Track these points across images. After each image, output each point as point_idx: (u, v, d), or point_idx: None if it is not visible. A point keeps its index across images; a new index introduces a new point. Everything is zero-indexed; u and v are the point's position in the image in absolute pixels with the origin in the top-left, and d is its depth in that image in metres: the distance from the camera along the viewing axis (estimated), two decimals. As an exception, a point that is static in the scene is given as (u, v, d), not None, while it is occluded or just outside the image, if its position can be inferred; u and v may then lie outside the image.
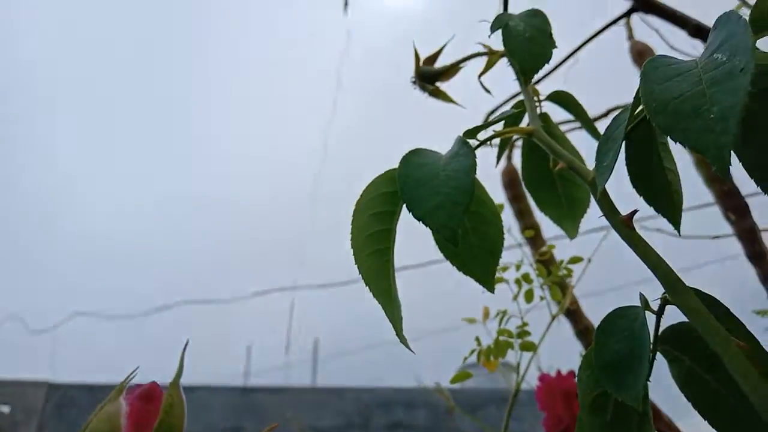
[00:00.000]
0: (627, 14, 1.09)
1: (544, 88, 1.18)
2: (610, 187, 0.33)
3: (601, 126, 1.34)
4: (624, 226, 0.31)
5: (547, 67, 1.18)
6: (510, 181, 1.27)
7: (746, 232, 1.14)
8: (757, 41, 0.28)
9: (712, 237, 1.29)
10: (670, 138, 0.26)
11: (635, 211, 0.31)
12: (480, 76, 0.47)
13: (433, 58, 0.52)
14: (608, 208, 0.32)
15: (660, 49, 1.27)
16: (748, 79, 0.24)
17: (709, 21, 1.16)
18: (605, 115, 1.35)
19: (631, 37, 1.21)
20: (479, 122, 0.41)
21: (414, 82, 0.53)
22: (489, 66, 0.46)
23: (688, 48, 1.22)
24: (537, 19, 0.40)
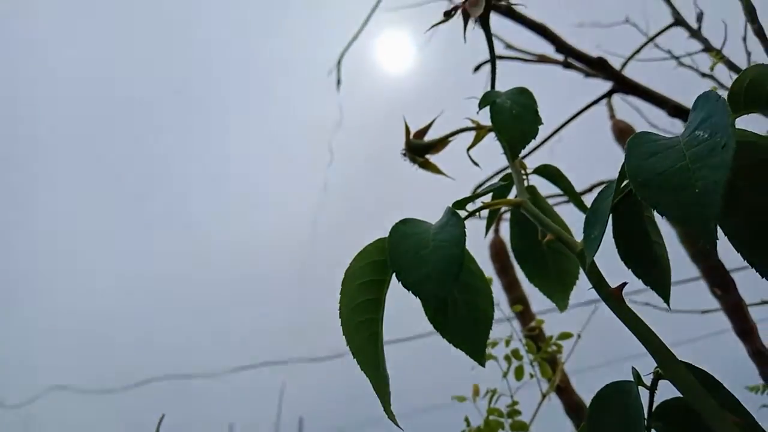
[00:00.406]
0: (608, 94, 1.13)
1: (530, 162, 1.20)
2: (598, 258, 0.33)
3: (587, 202, 1.36)
4: (614, 298, 0.31)
5: (533, 143, 1.21)
6: (497, 253, 1.27)
7: (733, 307, 1.14)
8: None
9: (702, 311, 1.29)
10: (657, 211, 0.27)
11: (624, 284, 0.31)
12: (468, 149, 0.48)
13: (423, 131, 0.53)
14: (597, 281, 0.32)
15: (641, 125, 1.32)
16: (731, 155, 0.25)
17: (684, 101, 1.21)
18: (590, 190, 1.37)
19: (612, 116, 1.25)
20: (468, 190, 0.42)
21: (404, 155, 0.54)
22: (477, 140, 0.47)
23: (667, 125, 1.26)
24: (523, 97, 0.42)
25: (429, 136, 0.54)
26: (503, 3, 1.18)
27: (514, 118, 0.40)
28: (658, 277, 0.34)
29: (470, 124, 0.49)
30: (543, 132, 1.25)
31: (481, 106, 0.43)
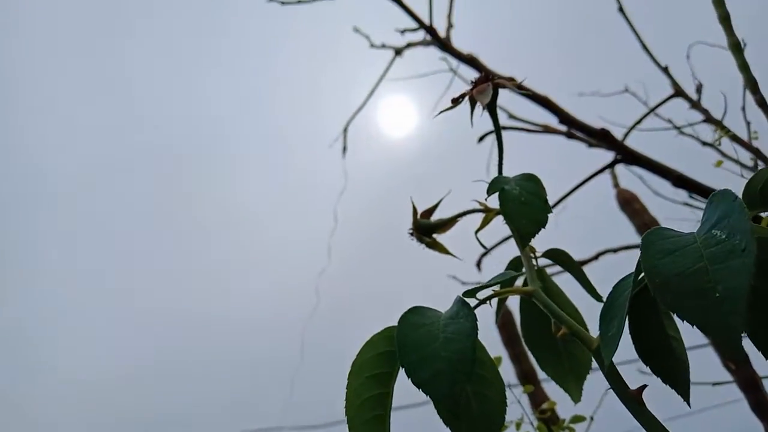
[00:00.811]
0: (611, 165, 1.14)
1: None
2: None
3: (591, 269, 1.35)
4: (635, 402, 0.30)
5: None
6: (505, 323, 1.25)
7: (747, 381, 1.11)
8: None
9: (713, 384, 1.26)
10: (677, 316, 0.26)
11: (644, 386, 0.30)
12: (476, 232, 0.47)
13: (430, 211, 0.53)
14: (617, 382, 0.31)
15: (644, 193, 1.32)
16: (752, 260, 0.24)
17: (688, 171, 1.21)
18: (595, 258, 1.36)
19: (616, 184, 1.26)
20: (472, 257, 0.41)
21: (411, 234, 0.53)
22: (485, 223, 0.47)
23: (670, 194, 1.26)
24: (531, 183, 0.42)
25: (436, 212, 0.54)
26: (510, 84, 1.21)
27: (523, 206, 0.40)
28: (677, 375, 0.33)
29: (477, 206, 0.48)
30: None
31: (490, 192, 0.42)
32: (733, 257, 0.25)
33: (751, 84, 1.01)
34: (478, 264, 1.20)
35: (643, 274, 0.34)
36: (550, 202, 1.23)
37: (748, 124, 1.50)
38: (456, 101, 0.47)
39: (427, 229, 0.52)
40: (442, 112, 0.48)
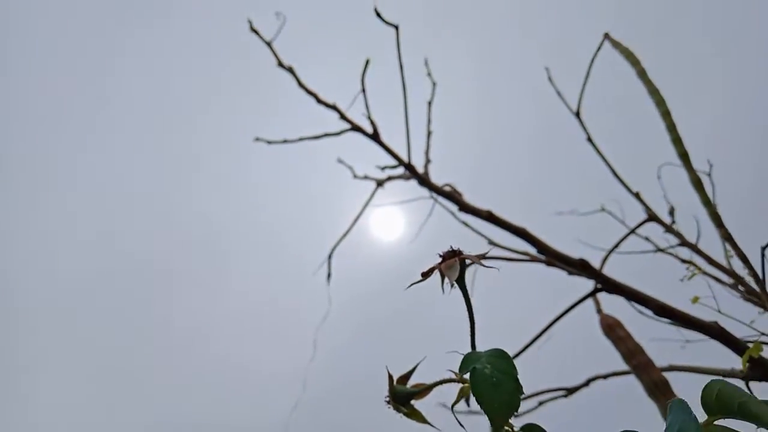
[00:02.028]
0: (593, 293, 1.15)
1: (523, 359, 1.17)
2: None
3: (581, 396, 1.31)
4: None
5: (522, 344, 1.19)
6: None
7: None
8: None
9: None
10: None
11: None
12: (452, 407, 0.47)
13: (407, 376, 0.53)
14: None
15: (629, 316, 1.32)
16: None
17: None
18: (586, 384, 1.34)
19: (599, 310, 1.26)
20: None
21: (388, 402, 0.53)
22: (460, 397, 0.47)
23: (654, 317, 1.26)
24: (503, 362, 0.42)
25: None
26: (485, 212, 1.25)
27: (494, 388, 0.40)
28: None
29: (453, 377, 0.48)
30: (531, 330, 1.24)
31: (462, 370, 0.43)
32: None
33: (715, 218, 1.04)
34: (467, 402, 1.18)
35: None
36: (536, 331, 1.20)
37: (724, 244, 1.54)
38: (426, 275, 0.49)
39: (404, 396, 0.52)
40: (413, 284, 0.49)
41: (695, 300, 0.90)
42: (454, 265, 0.47)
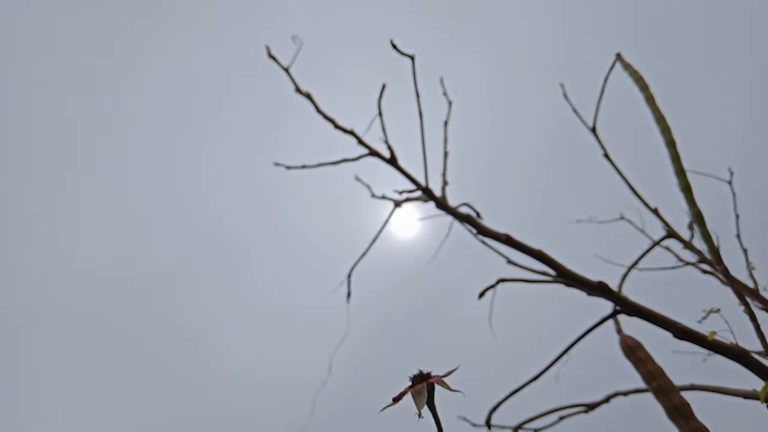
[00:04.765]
0: (612, 315, 1.16)
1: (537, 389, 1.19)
2: None
3: (601, 412, 1.32)
4: None
5: (543, 364, 1.20)
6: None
7: None
8: None
9: None
10: None
11: None
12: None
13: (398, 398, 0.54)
14: None
15: (648, 336, 1.33)
16: None
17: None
18: (606, 401, 1.36)
19: (619, 330, 1.27)
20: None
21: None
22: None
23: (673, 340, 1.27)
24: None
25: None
26: (503, 235, 1.26)
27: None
28: None
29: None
30: (550, 353, 1.26)
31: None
32: None
33: (715, 255, 1.04)
34: (488, 422, 1.21)
35: None
36: (558, 348, 1.22)
37: (745, 251, 1.52)
38: (396, 400, 0.49)
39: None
40: (386, 407, 0.49)
41: (712, 335, 0.91)
42: (421, 390, 0.48)
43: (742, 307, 1.26)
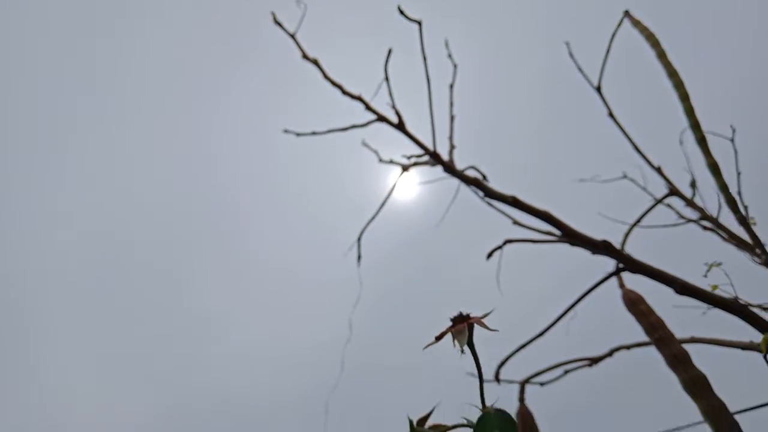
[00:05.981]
0: (616, 273, 1.20)
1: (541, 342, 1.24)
2: None
3: (606, 365, 1.38)
4: None
5: (547, 321, 1.26)
6: (525, 423, 1.30)
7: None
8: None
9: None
10: None
11: None
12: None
13: (424, 419, 0.61)
14: None
15: (650, 286, 1.37)
16: None
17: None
18: (610, 354, 1.42)
19: (622, 285, 1.31)
20: None
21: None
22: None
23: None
24: (509, 426, 0.49)
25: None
26: (509, 197, 1.29)
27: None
28: None
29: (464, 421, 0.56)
30: (555, 310, 1.31)
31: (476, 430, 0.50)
32: None
33: (731, 203, 1.07)
34: (497, 376, 1.27)
35: None
36: (563, 304, 1.27)
37: (745, 207, 1.55)
38: (438, 338, 0.55)
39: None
40: (428, 345, 0.55)
41: (714, 288, 0.96)
42: (463, 330, 0.53)
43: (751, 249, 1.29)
